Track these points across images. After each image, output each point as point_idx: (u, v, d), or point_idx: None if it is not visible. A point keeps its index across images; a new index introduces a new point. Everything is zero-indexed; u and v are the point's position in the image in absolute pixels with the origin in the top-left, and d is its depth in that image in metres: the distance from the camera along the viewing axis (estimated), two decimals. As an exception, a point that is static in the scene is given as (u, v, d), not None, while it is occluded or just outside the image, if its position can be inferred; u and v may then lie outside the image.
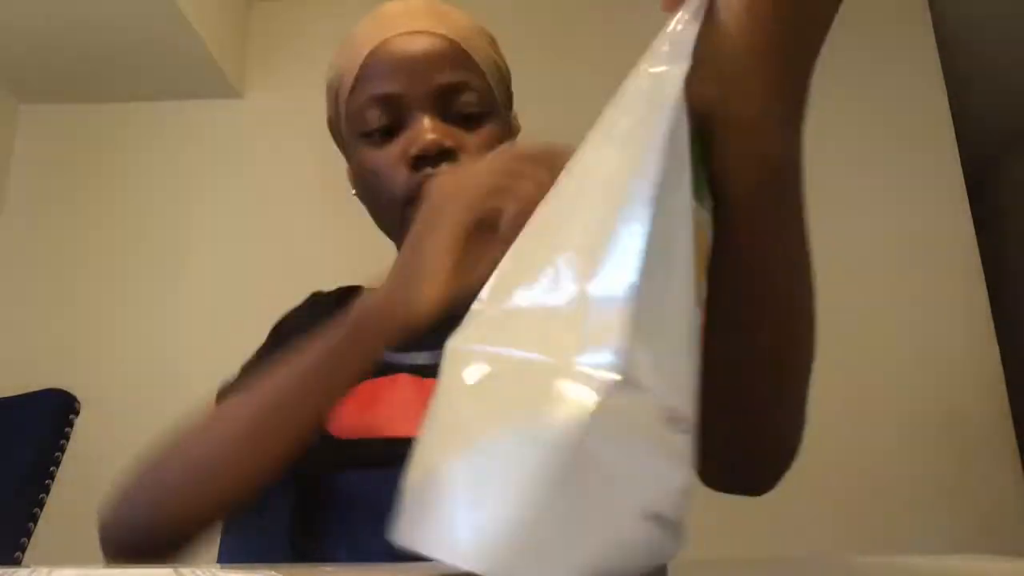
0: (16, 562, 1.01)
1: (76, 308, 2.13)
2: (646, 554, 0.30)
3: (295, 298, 0.80)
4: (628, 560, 0.29)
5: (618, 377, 0.28)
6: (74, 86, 2.25)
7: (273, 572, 0.41)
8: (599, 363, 0.28)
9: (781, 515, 1.76)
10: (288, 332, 0.76)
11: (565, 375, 0.29)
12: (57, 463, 1.08)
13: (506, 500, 0.28)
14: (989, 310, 1.96)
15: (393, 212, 0.69)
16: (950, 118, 2.10)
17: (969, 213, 2.03)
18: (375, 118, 0.69)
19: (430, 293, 0.50)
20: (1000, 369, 1.91)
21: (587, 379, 0.28)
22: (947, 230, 2.02)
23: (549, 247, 0.34)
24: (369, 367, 0.54)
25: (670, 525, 0.30)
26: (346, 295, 0.80)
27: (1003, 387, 1.90)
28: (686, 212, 0.33)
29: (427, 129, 0.67)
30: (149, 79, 2.21)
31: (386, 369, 0.69)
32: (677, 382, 0.30)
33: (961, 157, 2.07)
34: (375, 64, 0.70)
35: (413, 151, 0.66)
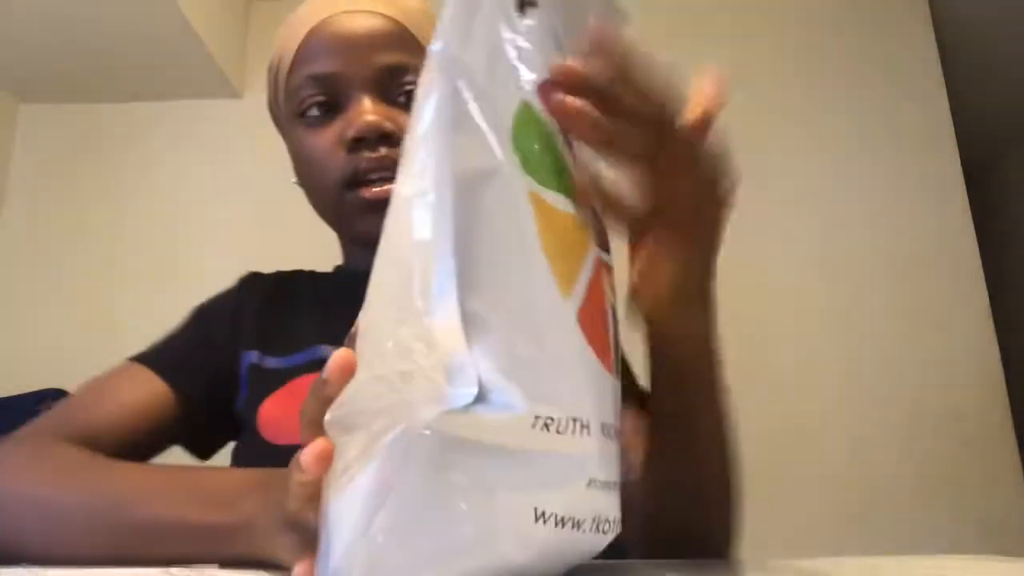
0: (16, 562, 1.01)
1: (76, 308, 2.13)
2: (556, 553, 0.30)
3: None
4: (535, 561, 0.30)
5: (469, 390, 0.29)
6: (74, 86, 2.25)
7: (264, 573, 0.41)
8: (453, 382, 0.29)
9: (781, 515, 1.76)
10: (208, 316, 0.74)
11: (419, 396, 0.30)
12: (57, 463, 1.07)
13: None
14: (989, 310, 1.96)
15: (329, 196, 0.67)
16: (950, 118, 2.10)
17: (969, 213, 2.03)
18: (312, 98, 0.67)
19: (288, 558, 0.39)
20: (1000, 369, 1.91)
21: (438, 396, 0.29)
22: (947, 230, 2.02)
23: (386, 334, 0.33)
24: (225, 561, 0.45)
25: (572, 523, 0.30)
26: (283, 279, 0.77)
27: (1003, 387, 1.90)
28: (513, 202, 0.32)
29: (366, 111, 0.64)
30: (149, 79, 2.21)
31: (320, 365, 0.65)
32: (551, 382, 0.31)
33: (961, 157, 2.07)
34: (314, 43, 0.67)
35: (351, 133, 0.64)
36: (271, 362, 0.68)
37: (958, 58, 2.22)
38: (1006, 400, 1.89)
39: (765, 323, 1.92)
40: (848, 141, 2.10)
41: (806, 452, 1.84)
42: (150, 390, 0.65)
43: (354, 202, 0.65)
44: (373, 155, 0.64)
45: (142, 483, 0.51)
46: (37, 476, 0.53)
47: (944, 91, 2.12)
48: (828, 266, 2.01)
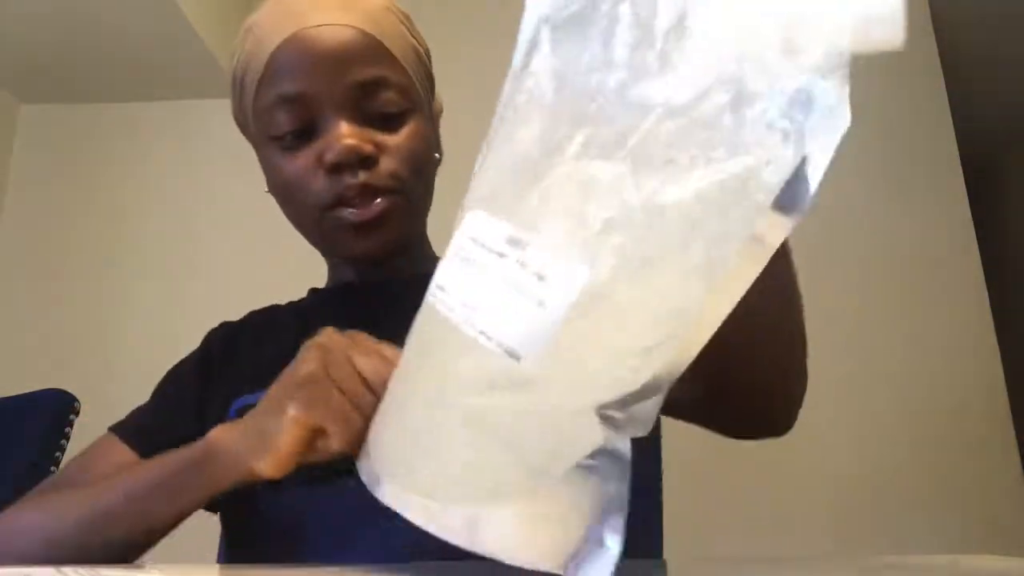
0: (16, 562, 1.00)
1: (76, 308, 2.13)
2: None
3: (295, 297, 0.80)
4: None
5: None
6: (74, 86, 2.25)
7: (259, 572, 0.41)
8: None
9: (781, 515, 1.76)
10: (174, 378, 0.75)
11: None
12: (57, 463, 1.07)
13: None
14: (989, 310, 1.96)
15: (312, 218, 0.65)
16: (950, 118, 2.10)
17: (969, 213, 2.03)
18: (285, 121, 0.64)
19: (273, 463, 0.46)
20: (1000, 369, 1.91)
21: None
22: (947, 230, 2.02)
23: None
24: (213, 495, 0.51)
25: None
26: (261, 316, 0.77)
27: (1003, 387, 1.90)
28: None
29: (344, 135, 0.62)
30: (149, 79, 2.21)
31: None
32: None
33: (961, 157, 2.07)
34: (282, 61, 0.63)
35: (330, 158, 0.62)
36: (251, 399, 0.68)
37: (958, 58, 2.22)
38: (1006, 400, 1.89)
39: (765, 323, 1.92)
40: (848, 141, 2.09)
41: (806, 452, 1.84)
42: (120, 460, 0.66)
43: (339, 224, 0.64)
44: (354, 181, 0.62)
45: (119, 473, 0.58)
46: (40, 511, 0.59)
47: (944, 91, 2.12)
48: (828, 266, 2.01)
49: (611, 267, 0.29)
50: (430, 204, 0.71)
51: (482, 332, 0.32)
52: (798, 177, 0.30)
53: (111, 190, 2.24)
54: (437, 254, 0.70)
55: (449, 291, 0.35)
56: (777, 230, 0.29)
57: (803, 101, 0.30)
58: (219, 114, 2.26)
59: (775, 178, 0.29)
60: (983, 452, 1.85)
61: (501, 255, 0.32)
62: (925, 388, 1.90)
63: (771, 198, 0.29)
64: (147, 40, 2.05)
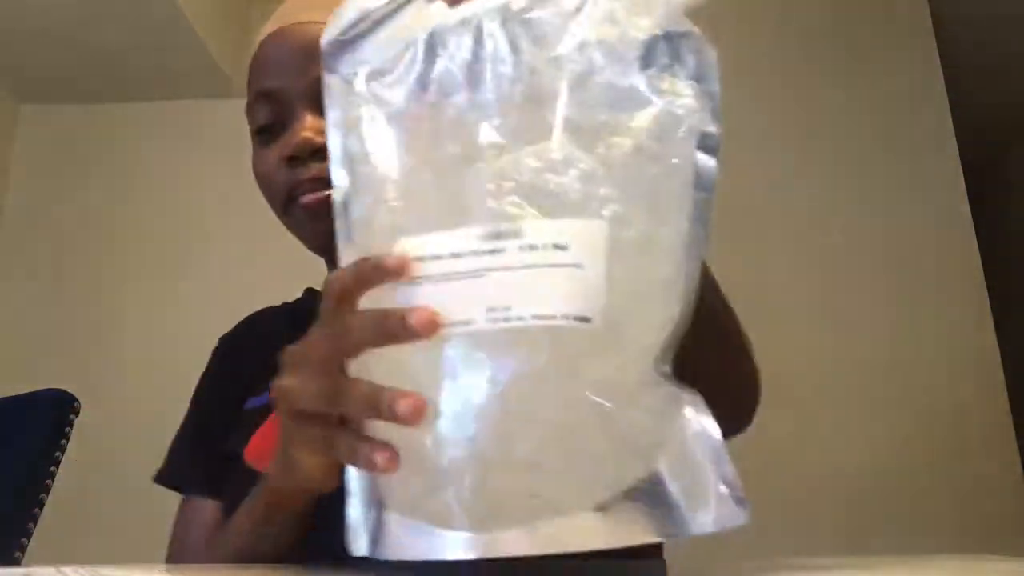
0: (16, 562, 1.01)
1: (76, 308, 2.13)
2: None
3: (294, 297, 0.80)
4: None
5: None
6: (74, 86, 2.25)
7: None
8: None
9: (781, 515, 1.76)
10: (199, 404, 0.75)
11: None
12: (57, 463, 1.07)
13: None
14: (989, 310, 1.96)
15: (279, 210, 0.68)
16: (950, 118, 2.10)
17: (969, 213, 2.03)
18: (261, 116, 0.66)
19: (319, 483, 0.44)
20: (1000, 369, 1.91)
21: None
22: (947, 230, 2.02)
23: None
24: (303, 519, 0.51)
25: None
26: (255, 323, 0.78)
27: (1003, 386, 1.90)
28: None
29: (301, 127, 0.63)
30: (149, 79, 2.21)
31: None
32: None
33: (961, 157, 2.07)
34: (262, 57, 0.66)
35: (285, 152, 0.64)
36: (257, 401, 0.69)
37: (958, 58, 2.22)
38: (1006, 400, 1.89)
39: (765, 323, 1.91)
40: (848, 141, 2.10)
41: (806, 452, 1.84)
42: (208, 518, 0.68)
43: (296, 214, 0.65)
44: (306, 174, 0.63)
45: (217, 541, 0.61)
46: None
47: (944, 91, 2.12)
48: (828, 266, 2.01)
49: (610, 214, 0.33)
50: None
51: (537, 316, 0.32)
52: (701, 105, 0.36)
53: (110, 190, 2.24)
54: None
55: (474, 308, 0.33)
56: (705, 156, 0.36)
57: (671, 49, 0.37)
58: (219, 114, 2.27)
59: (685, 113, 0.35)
60: (983, 452, 1.85)
61: (494, 251, 0.33)
62: (925, 388, 1.90)
63: (691, 130, 0.35)
64: (147, 40, 2.05)
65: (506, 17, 0.36)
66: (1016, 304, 2.62)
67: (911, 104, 2.11)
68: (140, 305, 2.11)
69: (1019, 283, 2.73)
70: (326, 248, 0.66)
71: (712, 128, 0.36)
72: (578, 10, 0.36)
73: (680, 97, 0.36)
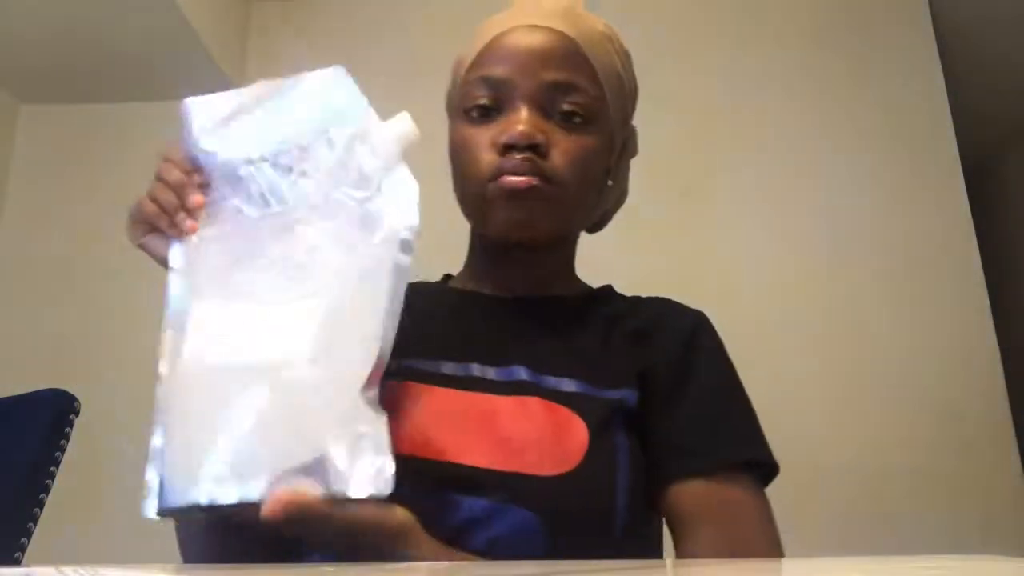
0: (16, 562, 1.01)
1: (76, 308, 2.13)
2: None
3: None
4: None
5: None
6: (74, 86, 2.25)
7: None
8: None
9: (780, 515, 1.76)
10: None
11: None
12: (57, 463, 1.07)
13: None
14: (989, 310, 1.96)
15: (473, 187, 0.72)
16: (950, 118, 2.10)
17: (969, 213, 2.03)
18: (479, 96, 0.73)
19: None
20: (1000, 368, 1.91)
21: None
22: (947, 230, 2.02)
23: None
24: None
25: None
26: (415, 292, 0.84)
27: (1003, 386, 1.90)
28: None
29: (522, 120, 0.69)
30: (149, 79, 2.21)
31: (414, 376, 0.68)
32: None
33: (961, 157, 2.07)
34: (494, 48, 0.74)
35: (504, 139, 0.69)
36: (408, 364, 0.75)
37: (958, 58, 2.22)
38: (1006, 400, 1.89)
39: (765, 323, 1.91)
40: (848, 141, 2.10)
41: (806, 452, 1.84)
42: None
43: (494, 191, 0.70)
44: (514, 161, 0.69)
45: None
46: None
47: (944, 91, 2.12)
48: (828, 266, 2.01)
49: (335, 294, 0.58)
50: (582, 224, 0.80)
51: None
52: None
53: (111, 190, 2.23)
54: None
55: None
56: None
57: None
58: (219, 114, 2.27)
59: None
60: (983, 452, 1.85)
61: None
62: (925, 388, 1.90)
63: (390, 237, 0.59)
64: (147, 40, 2.05)
65: (276, 163, 0.64)
66: (1016, 304, 2.62)
67: (911, 104, 2.11)
68: (140, 305, 2.11)
69: (1019, 283, 2.73)
70: (505, 230, 0.72)
71: (407, 235, 0.57)
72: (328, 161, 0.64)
73: (387, 215, 0.58)
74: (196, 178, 0.67)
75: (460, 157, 0.74)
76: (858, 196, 2.05)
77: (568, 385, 0.67)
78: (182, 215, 0.65)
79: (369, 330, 0.55)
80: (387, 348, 0.55)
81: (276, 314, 0.57)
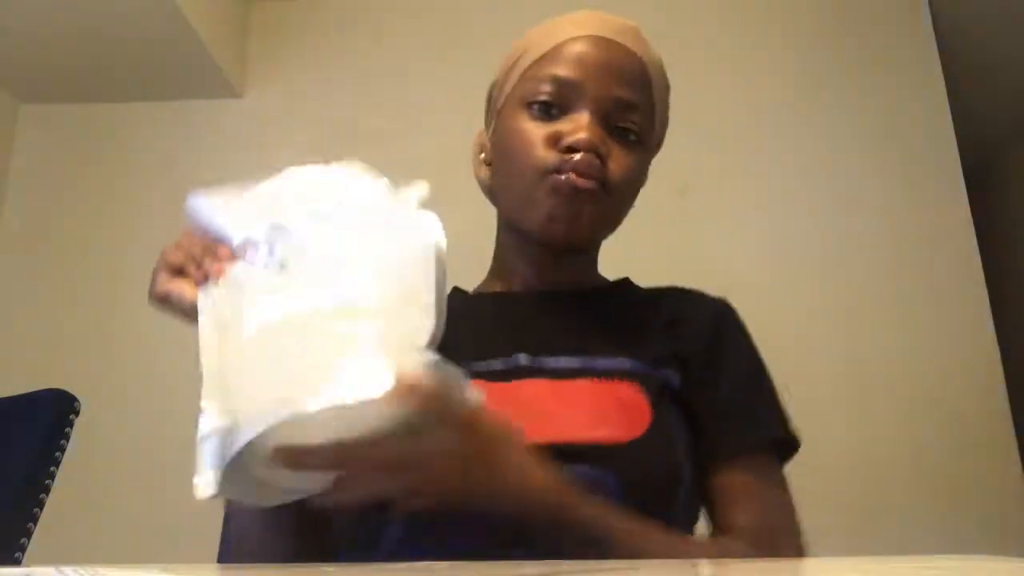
0: (16, 562, 1.01)
1: (76, 308, 2.13)
2: None
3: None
4: None
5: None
6: (74, 86, 2.25)
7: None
8: None
9: (781, 515, 1.76)
10: None
11: None
12: (57, 463, 1.07)
13: None
14: (989, 310, 1.96)
15: (526, 179, 0.73)
16: (950, 118, 2.10)
17: (969, 213, 2.03)
18: (544, 92, 0.74)
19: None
20: (1000, 369, 1.91)
21: None
22: (947, 230, 2.02)
23: None
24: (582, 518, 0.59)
25: None
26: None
27: (1003, 387, 1.90)
28: None
29: (587, 126, 0.71)
30: (149, 79, 2.21)
31: (471, 376, 0.69)
32: None
33: (961, 157, 2.07)
34: (570, 48, 0.75)
35: (568, 140, 0.71)
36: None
37: (958, 58, 2.22)
38: (1006, 400, 1.89)
39: (765, 323, 1.91)
40: (848, 141, 2.09)
41: (806, 452, 1.84)
42: None
43: (553, 184, 0.72)
44: (572, 160, 0.71)
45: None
46: None
47: (944, 91, 2.12)
48: (828, 266, 2.01)
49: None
50: (611, 231, 0.81)
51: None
52: None
53: (110, 190, 2.24)
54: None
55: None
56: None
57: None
58: (219, 114, 2.27)
59: None
60: (983, 452, 1.85)
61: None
62: (925, 388, 1.90)
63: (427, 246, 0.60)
64: (147, 40, 2.05)
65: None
66: (1016, 304, 2.62)
67: (911, 104, 2.11)
68: (140, 305, 2.11)
69: (1019, 283, 2.73)
70: (554, 226, 0.73)
71: (441, 242, 0.58)
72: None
73: (416, 236, 0.58)
74: (217, 247, 0.66)
75: (515, 147, 0.75)
76: (858, 196, 2.05)
77: (622, 363, 0.71)
78: (209, 259, 0.63)
79: (422, 301, 0.55)
80: (440, 325, 0.55)
81: (333, 294, 0.55)
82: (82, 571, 0.42)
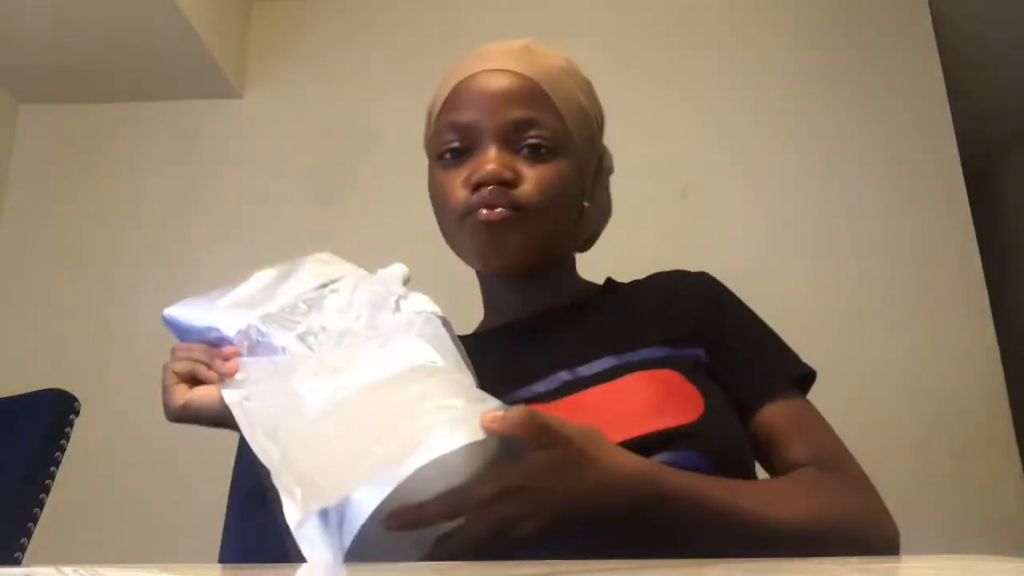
0: (16, 562, 1.01)
1: (76, 308, 2.13)
2: None
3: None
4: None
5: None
6: (74, 86, 2.25)
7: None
8: None
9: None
10: None
11: None
12: (57, 463, 1.07)
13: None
14: (989, 310, 1.95)
15: (453, 223, 0.78)
16: (950, 118, 2.09)
17: (969, 213, 2.03)
18: (449, 141, 0.78)
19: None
20: (1000, 369, 1.91)
21: None
22: (947, 230, 2.02)
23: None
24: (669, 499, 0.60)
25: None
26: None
27: (1003, 387, 1.90)
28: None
29: (490, 159, 0.75)
30: (149, 79, 2.21)
31: (514, 403, 0.71)
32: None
33: (961, 157, 2.07)
34: (459, 95, 0.79)
35: (475, 178, 0.75)
36: None
37: (958, 58, 2.22)
38: (1006, 400, 1.89)
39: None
40: (849, 141, 2.09)
41: (806, 452, 1.84)
42: None
43: (470, 225, 0.76)
44: (485, 196, 0.74)
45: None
46: None
47: (944, 91, 2.12)
48: (828, 266, 2.00)
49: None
50: (566, 245, 0.84)
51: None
52: None
53: (111, 190, 2.24)
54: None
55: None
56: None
57: None
58: (219, 114, 2.27)
59: None
60: (983, 452, 1.85)
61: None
62: (925, 388, 1.90)
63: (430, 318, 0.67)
64: (147, 40, 2.05)
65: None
66: (1016, 304, 2.62)
67: (911, 104, 2.11)
68: (140, 305, 2.11)
69: (1019, 283, 2.73)
70: (484, 261, 0.77)
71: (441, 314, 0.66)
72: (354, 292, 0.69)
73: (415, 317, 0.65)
74: (221, 349, 0.68)
75: (437, 199, 0.80)
76: (858, 196, 2.05)
77: (653, 352, 0.73)
78: (219, 360, 0.65)
79: (461, 364, 0.60)
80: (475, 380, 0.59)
81: (375, 369, 0.59)
82: (82, 571, 0.42)
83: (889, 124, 2.10)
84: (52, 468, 1.06)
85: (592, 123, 0.84)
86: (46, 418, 1.08)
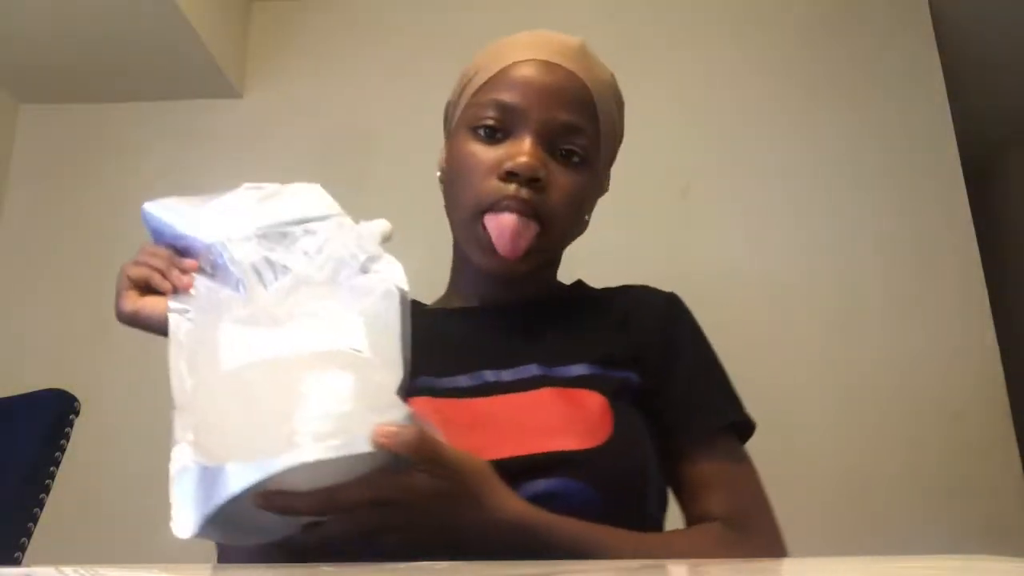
0: (16, 562, 1.01)
1: (76, 308, 2.13)
2: None
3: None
4: None
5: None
6: (74, 86, 2.25)
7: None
8: None
9: (781, 515, 1.76)
10: None
11: None
12: (57, 463, 1.07)
13: None
14: (989, 310, 1.95)
15: (467, 209, 0.75)
16: (950, 118, 2.10)
17: (969, 213, 2.03)
18: (489, 118, 0.75)
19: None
20: (1000, 369, 1.91)
21: None
22: (947, 230, 2.02)
23: None
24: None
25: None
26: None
27: (1003, 387, 1.90)
28: None
29: (527, 152, 0.72)
30: (149, 79, 2.21)
31: (434, 393, 0.72)
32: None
33: (961, 157, 2.07)
34: (513, 74, 0.76)
35: (508, 165, 0.72)
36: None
37: (958, 58, 2.22)
38: (1006, 400, 1.89)
39: (766, 324, 1.91)
40: (849, 141, 2.09)
41: (806, 452, 1.84)
42: None
43: (488, 223, 0.74)
44: (513, 190, 0.72)
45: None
46: None
47: (944, 91, 2.12)
48: (828, 266, 2.00)
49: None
50: (562, 250, 0.83)
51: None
52: None
53: (111, 190, 2.23)
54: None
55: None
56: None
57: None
58: (219, 114, 2.27)
59: None
60: (983, 452, 1.85)
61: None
62: (925, 388, 1.89)
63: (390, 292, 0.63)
64: (147, 40, 2.05)
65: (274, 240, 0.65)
66: (1016, 304, 2.62)
67: (911, 104, 2.11)
68: (140, 305, 2.11)
69: (1019, 283, 2.73)
70: (488, 265, 0.76)
71: (404, 287, 0.62)
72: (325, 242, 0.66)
73: (380, 282, 0.62)
74: (181, 260, 0.65)
75: (461, 172, 0.77)
76: (858, 196, 2.05)
77: (580, 369, 0.72)
78: (176, 272, 0.63)
79: (391, 356, 0.57)
80: (407, 371, 0.57)
81: (301, 339, 0.58)
82: (82, 571, 0.42)
83: (889, 124, 2.10)
84: (52, 468, 1.07)
85: (616, 144, 0.84)
86: (46, 418, 1.08)
